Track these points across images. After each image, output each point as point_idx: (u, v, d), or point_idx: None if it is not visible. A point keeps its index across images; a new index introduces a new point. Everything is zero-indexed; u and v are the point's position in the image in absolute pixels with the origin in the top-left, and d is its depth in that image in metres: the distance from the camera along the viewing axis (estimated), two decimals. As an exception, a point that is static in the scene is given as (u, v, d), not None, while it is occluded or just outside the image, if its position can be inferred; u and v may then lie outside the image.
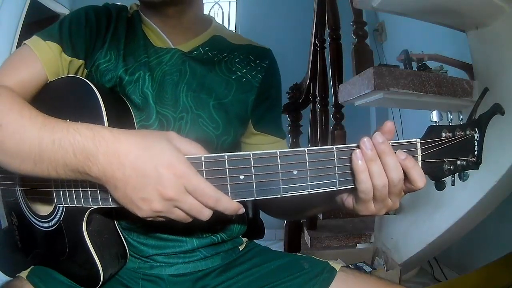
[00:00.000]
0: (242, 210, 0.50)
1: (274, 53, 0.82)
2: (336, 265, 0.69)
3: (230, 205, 0.48)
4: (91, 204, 0.56)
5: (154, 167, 0.46)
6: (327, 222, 2.12)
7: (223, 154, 0.48)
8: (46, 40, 0.65)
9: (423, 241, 1.60)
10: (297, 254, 0.76)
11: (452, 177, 0.52)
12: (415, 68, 1.51)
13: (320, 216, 2.07)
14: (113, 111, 0.58)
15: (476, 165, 0.52)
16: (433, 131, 0.51)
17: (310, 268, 0.69)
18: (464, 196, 1.37)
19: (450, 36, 1.60)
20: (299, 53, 2.48)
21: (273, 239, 2.77)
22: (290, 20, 3.25)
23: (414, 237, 1.66)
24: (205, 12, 0.84)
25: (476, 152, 0.52)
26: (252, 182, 0.48)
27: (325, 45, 2.17)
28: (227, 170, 0.48)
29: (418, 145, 0.50)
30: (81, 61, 0.68)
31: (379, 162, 0.48)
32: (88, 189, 0.55)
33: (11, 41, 2.42)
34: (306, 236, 2.02)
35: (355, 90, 1.41)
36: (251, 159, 0.48)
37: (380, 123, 0.50)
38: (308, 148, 0.49)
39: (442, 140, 0.50)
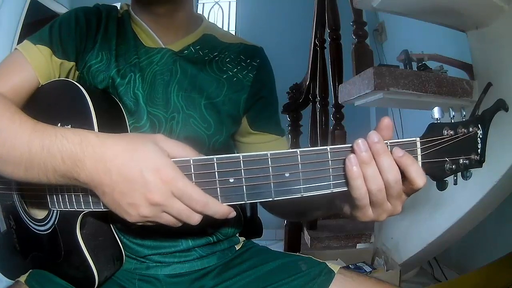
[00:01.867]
0: (233, 214, 0.49)
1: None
2: (335, 266, 0.69)
3: (219, 209, 0.48)
4: (83, 208, 0.56)
5: (140, 172, 0.46)
6: (327, 222, 2.12)
7: (212, 156, 0.47)
8: (36, 44, 0.65)
9: (423, 241, 1.59)
10: (295, 254, 0.76)
11: (454, 176, 0.50)
12: (415, 68, 1.50)
13: (320, 216, 2.07)
14: (104, 115, 0.58)
15: (479, 163, 0.49)
16: (434, 129, 0.48)
17: (308, 270, 0.68)
18: (464, 196, 1.37)
19: (450, 36, 1.59)
20: (299, 53, 2.47)
21: (273, 239, 2.75)
22: (290, 20, 3.24)
23: (414, 237, 1.65)
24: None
25: (479, 150, 0.49)
26: (243, 186, 0.47)
27: (325, 45, 2.17)
28: (216, 173, 0.47)
29: (418, 144, 0.47)
30: (72, 63, 0.68)
31: (374, 164, 0.45)
32: (80, 193, 0.55)
33: (11, 41, 2.42)
34: (306, 236, 2.02)
35: (355, 90, 1.40)
36: (241, 161, 0.47)
37: (380, 123, 0.48)
38: (300, 149, 0.47)
39: (444, 138, 0.47)
